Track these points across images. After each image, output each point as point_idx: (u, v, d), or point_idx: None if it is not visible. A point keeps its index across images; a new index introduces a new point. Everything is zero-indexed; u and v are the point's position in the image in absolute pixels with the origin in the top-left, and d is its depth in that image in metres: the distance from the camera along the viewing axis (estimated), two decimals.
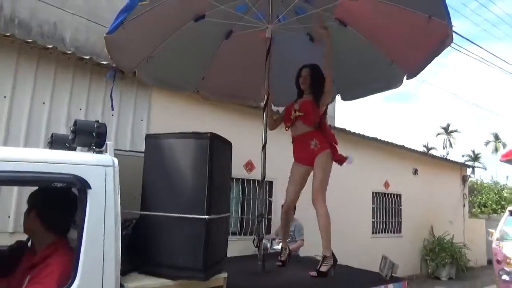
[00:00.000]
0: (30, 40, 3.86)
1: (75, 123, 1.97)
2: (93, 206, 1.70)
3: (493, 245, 6.28)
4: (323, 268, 3.00)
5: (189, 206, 1.85)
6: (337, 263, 3.11)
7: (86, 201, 1.69)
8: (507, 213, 6.65)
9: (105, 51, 3.10)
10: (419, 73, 3.60)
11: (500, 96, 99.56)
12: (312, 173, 3.29)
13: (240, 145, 3.22)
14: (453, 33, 2.98)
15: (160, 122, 4.78)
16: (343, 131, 6.96)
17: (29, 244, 2.04)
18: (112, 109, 3.46)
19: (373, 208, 8.25)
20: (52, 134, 2.52)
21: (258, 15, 3.51)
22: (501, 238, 6.22)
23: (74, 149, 2.34)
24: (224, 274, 2.00)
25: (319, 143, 3.21)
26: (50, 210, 1.74)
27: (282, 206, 3.66)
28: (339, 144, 3.41)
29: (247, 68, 4.23)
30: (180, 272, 1.81)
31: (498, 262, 6.00)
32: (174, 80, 4.19)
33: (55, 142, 2.40)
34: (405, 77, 3.72)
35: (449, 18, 2.84)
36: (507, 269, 5.85)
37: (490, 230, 6.79)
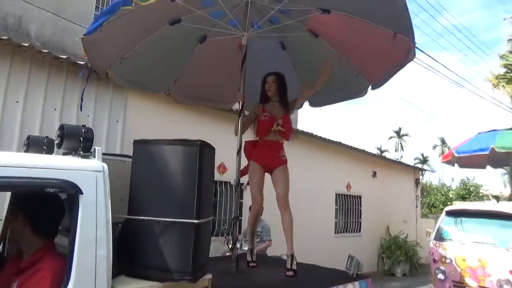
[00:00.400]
0: (5, 37, 3.71)
1: (62, 127, 1.98)
2: (85, 211, 1.73)
3: (430, 245, 6.31)
4: (295, 266, 3.19)
5: (179, 210, 1.92)
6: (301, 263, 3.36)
7: (78, 206, 1.72)
8: (443, 213, 6.72)
9: (82, 51, 3.08)
10: (383, 84, 3.88)
11: (446, 102, 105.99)
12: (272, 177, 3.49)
13: (223, 148, 3.33)
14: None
15: (135, 123, 4.74)
16: (309, 135, 7.21)
17: None
18: (81, 109, 3.45)
19: (336, 209, 8.62)
20: (29, 136, 2.48)
21: (234, 21, 3.62)
22: (438, 238, 6.27)
23: (52, 153, 2.34)
24: (209, 276, 2.09)
25: (285, 156, 3.53)
26: (39, 214, 1.75)
27: (250, 208, 3.80)
28: (306, 148, 3.65)
29: (219, 72, 4.32)
30: (169, 275, 1.88)
31: (435, 261, 6.04)
32: (146, 82, 4.19)
33: (32, 145, 2.38)
34: (370, 87, 3.99)
35: (413, 35, 3.09)
36: (442, 268, 5.88)
37: (428, 230, 6.87)
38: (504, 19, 16.36)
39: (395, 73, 3.66)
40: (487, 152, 7.17)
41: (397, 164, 11.96)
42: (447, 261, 5.86)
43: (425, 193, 21.17)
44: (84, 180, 1.77)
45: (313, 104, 4.53)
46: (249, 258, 3.47)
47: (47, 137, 2.49)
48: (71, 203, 1.73)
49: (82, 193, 1.74)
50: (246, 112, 3.92)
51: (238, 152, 3.40)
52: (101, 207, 1.79)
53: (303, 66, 4.27)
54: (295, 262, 3.24)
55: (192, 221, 1.89)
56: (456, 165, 8.63)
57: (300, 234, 3.54)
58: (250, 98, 3.91)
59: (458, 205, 7.54)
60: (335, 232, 8.58)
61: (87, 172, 1.80)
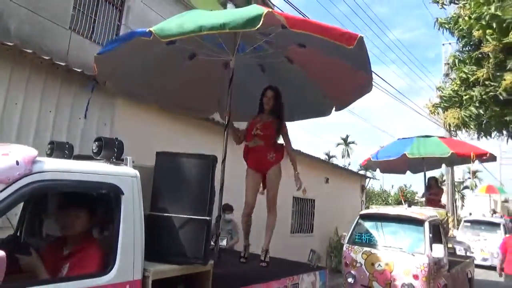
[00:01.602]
0: (11, 44, 3.94)
1: (100, 139, 2.43)
2: (125, 208, 2.21)
3: (344, 249, 6.24)
4: (267, 259, 3.83)
5: (194, 209, 2.45)
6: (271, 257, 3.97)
7: (121, 204, 2.20)
8: (358, 217, 6.64)
9: (93, 67, 3.48)
10: (345, 108, 4.64)
11: (387, 114, 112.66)
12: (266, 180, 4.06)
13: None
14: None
15: (122, 126, 5.07)
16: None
17: None
18: (85, 117, 3.81)
19: (292, 211, 9.40)
20: (53, 141, 2.87)
21: (222, 45, 4.15)
22: (351, 242, 6.21)
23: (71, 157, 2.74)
24: (212, 261, 2.63)
25: (275, 156, 4.05)
26: (94, 211, 2.20)
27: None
28: None
29: (201, 84, 4.83)
30: (186, 259, 2.40)
31: (346, 265, 5.99)
32: (138, 91, 4.59)
33: (57, 150, 2.77)
34: (333, 108, 4.72)
35: (371, 73, 3.85)
36: (353, 272, 5.83)
37: (343, 233, 6.79)
38: (443, 44, 18.19)
39: (356, 99, 4.44)
40: (398, 157, 7.39)
41: (347, 172, 13.07)
42: (357, 265, 5.86)
43: (368, 198, 22.82)
44: (124, 183, 2.24)
45: (286, 119, 5.17)
46: (242, 254, 3.95)
47: (67, 143, 2.90)
48: (116, 202, 2.19)
49: (124, 194, 2.22)
50: (238, 125, 4.49)
51: (223, 162, 3.93)
52: (136, 205, 2.28)
53: (279, 85, 4.88)
54: (268, 256, 3.88)
55: (205, 217, 2.43)
56: (378, 169, 9.01)
57: (262, 233, 4.17)
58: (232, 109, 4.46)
59: (371, 209, 7.50)
60: (291, 232, 9.36)
61: (126, 177, 2.28)
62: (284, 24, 2.82)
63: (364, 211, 6.96)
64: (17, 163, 1.84)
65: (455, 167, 20.93)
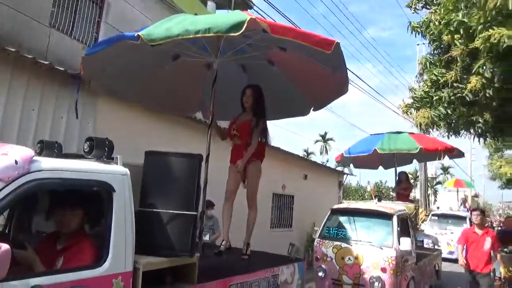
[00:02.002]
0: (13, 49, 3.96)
1: (91, 138, 2.55)
2: (117, 205, 2.35)
3: (315, 243, 6.26)
4: (249, 252, 4.02)
5: (181, 205, 2.60)
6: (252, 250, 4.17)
7: (113, 201, 2.33)
8: (329, 211, 6.64)
9: (79, 67, 3.56)
10: (323, 107, 4.87)
11: (366, 111, 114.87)
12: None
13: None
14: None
15: (105, 125, 5.14)
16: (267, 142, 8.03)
17: None
18: (77, 117, 3.88)
19: (272, 207, 9.64)
20: (42, 140, 2.95)
21: (205, 47, 4.28)
22: (322, 236, 6.24)
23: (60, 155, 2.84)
24: (198, 254, 2.79)
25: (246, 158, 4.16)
26: (91, 210, 2.33)
27: None
28: None
29: (186, 84, 4.96)
30: (174, 252, 2.56)
31: (317, 259, 6.02)
32: (120, 89, 4.67)
33: (47, 148, 2.87)
34: (312, 108, 4.94)
35: (347, 75, 4.08)
36: (323, 266, 5.84)
37: (315, 228, 6.82)
38: (418, 44, 18.80)
39: (333, 100, 4.67)
40: (369, 153, 7.52)
41: (325, 168, 13.42)
42: (328, 259, 5.91)
43: (345, 194, 23.42)
44: (115, 181, 2.38)
45: (267, 118, 5.38)
46: (221, 247, 4.07)
47: (56, 142, 2.99)
48: (108, 199, 2.33)
49: (115, 191, 2.36)
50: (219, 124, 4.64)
51: (206, 160, 4.07)
52: (127, 202, 2.42)
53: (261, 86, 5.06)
54: (249, 249, 4.07)
55: (193, 213, 2.59)
56: (351, 165, 9.56)
57: (242, 228, 4.36)
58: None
59: (342, 204, 7.51)
60: (271, 227, 9.60)
61: (117, 175, 2.41)
62: (267, 30, 3.00)
63: (335, 206, 6.95)
64: (16, 162, 1.95)
65: (428, 164, 21.80)
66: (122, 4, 8.56)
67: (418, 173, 22.12)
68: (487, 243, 5.83)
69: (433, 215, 14.00)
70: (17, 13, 6.41)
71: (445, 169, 47.19)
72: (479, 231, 6.01)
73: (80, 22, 7.90)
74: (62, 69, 4.56)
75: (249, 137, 4.22)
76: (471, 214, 6.02)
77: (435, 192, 42.25)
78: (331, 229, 6.31)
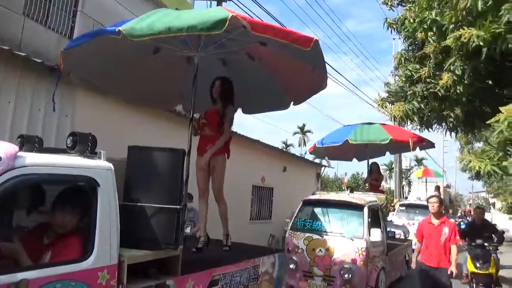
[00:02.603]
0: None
1: (74, 134, 2.56)
2: (101, 199, 2.38)
3: (286, 235, 6.17)
4: (229, 243, 4.11)
5: (165, 199, 2.66)
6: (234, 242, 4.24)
7: (97, 196, 2.37)
8: (301, 203, 6.56)
9: (59, 61, 3.52)
10: (302, 102, 4.98)
11: (343, 104, 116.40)
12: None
13: (163, 145, 3.99)
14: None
15: (84, 117, 5.08)
16: (233, 133, 8.10)
17: None
18: (54, 110, 3.84)
19: (252, 199, 9.77)
20: (23, 135, 2.93)
21: (186, 41, 4.30)
22: (293, 228, 6.17)
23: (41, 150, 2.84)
24: (181, 246, 2.86)
25: (213, 147, 4.15)
26: (76, 204, 2.35)
27: None
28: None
29: (164, 77, 4.96)
30: (158, 245, 2.62)
31: (289, 251, 5.90)
32: (100, 83, 4.63)
33: (27, 143, 2.85)
34: (292, 103, 5.04)
35: (326, 71, 4.19)
36: (294, 258, 5.75)
37: (286, 219, 7.06)
38: (394, 39, 19.19)
39: (312, 95, 4.79)
40: (341, 143, 7.45)
41: (303, 161, 13.65)
42: (299, 251, 5.83)
43: (323, 186, 23.84)
44: (100, 176, 2.41)
45: (245, 112, 5.44)
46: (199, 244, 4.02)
47: (37, 136, 2.98)
48: (92, 193, 2.36)
49: (100, 186, 2.39)
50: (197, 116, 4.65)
51: (188, 154, 4.10)
52: (112, 196, 2.45)
53: (239, 79, 5.12)
54: (230, 240, 4.16)
55: (176, 206, 2.65)
56: (326, 157, 9.45)
57: (219, 221, 4.42)
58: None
59: (314, 195, 7.27)
60: (250, 219, 9.74)
61: (101, 170, 2.45)
62: (247, 27, 3.06)
63: (307, 197, 6.83)
64: (0, 158, 1.96)
65: (403, 156, 22.44)
66: None
67: (393, 165, 22.77)
68: (444, 234, 4.92)
69: (400, 205, 13.43)
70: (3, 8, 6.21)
71: (419, 161, 48.63)
72: (436, 221, 5.04)
73: (55, 11, 7.71)
74: (40, 61, 4.48)
75: (217, 125, 4.21)
76: (427, 202, 5.42)
77: (409, 183, 43.55)
78: (303, 220, 6.26)
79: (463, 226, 9.29)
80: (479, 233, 7.07)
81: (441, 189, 37.53)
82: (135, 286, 2.50)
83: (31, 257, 2.16)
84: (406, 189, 40.85)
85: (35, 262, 2.17)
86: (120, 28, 2.94)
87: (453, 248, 4.88)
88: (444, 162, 38.92)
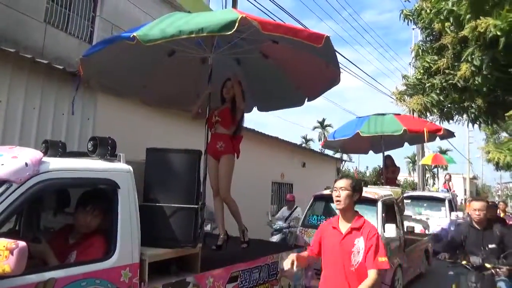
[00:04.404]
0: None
1: (95, 138, 2.67)
2: (122, 201, 2.48)
3: (297, 232, 5.95)
4: (247, 238, 4.16)
5: (183, 198, 2.75)
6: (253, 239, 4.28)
7: (118, 197, 2.47)
8: (312, 198, 6.33)
9: (79, 68, 3.67)
10: (316, 98, 4.99)
11: (363, 96, 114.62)
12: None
13: (181, 145, 4.08)
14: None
15: (105, 120, 5.25)
16: (251, 131, 8.20)
17: None
18: (73, 114, 3.99)
19: (271, 195, 9.84)
20: (47, 140, 3.07)
21: (200, 42, 4.38)
22: (305, 224, 5.97)
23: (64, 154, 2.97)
24: (200, 244, 2.95)
25: (224, 146, 4.16)
26: (99, 206, 2.47)
27: None
28: (246, 142, 4.45)
29: (181, 79, 5.06)
30: (177, 243, 2.71)
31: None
32: (119, 88, 4.78)
33: (51, 148, 2.99)
34: (306, 99, 5.06)
35: (339, 67, 4.19)
36: None
37: (298, 216, 6.54)
38: (413, 28, 18.77)
39: (326, 91, 4.81)
40: (352, 136, 7.17)
41: (322, 156, 13.59)
42: None
43: None
44: (120, 178, 2.51)
45: (260, 109, 5.49)
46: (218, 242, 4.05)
47: (60, 141, 3.12)
48: (113, 195, 2.46)
49: (120, 188, 2.49)
50: None
51: (205, 153, 4.19)
52: (131, 197, 2.55)
53: (254, 78, 5.17)
54: (247, 235, 4.20)
55: (193, 206, 2.74)
56: (339, 150, 8.97)
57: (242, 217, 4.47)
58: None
59: (326, 190, 6.88)
60: (271, 215, 9.79)
61: (121, 173, 2.55)
62: (258, 28, 3.10)
63: (318, 193, 6.55)
64: (26, 164, 2.08)
65: (426, 148, 21.96)
66: None
67: (416, 157, 22.35)
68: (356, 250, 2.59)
69: (405, 197, 9.90)
70: (11, 10, 6.47)
71: (443, 152, 47.48)
72: (344, 226, 2.73)
73: (75, 17, 7.95)
74: (61, 67, 4.65)
75: (231, 123, 4.19)
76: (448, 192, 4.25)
77: (434, 176, 42.59)
78: (314, 217, 6.04)
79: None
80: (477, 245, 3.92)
81: (467, 181, 36.44)
82: (157, 283, 2.60)
83: (57, 257, 2.29)
84: (430, 181, 40.01)
85: (62, 262, 2.29)
86: (135, 34, 3.04)
87: (371, 275, 2.47)
88: (470, 153, 37.78)
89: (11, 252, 1.72)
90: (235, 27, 2.95)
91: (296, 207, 7.90)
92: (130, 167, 2.60)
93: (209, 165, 4.22)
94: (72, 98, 3.91)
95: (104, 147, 2.64)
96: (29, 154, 2.16)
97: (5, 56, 4.37)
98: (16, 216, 2.89)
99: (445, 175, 12.18)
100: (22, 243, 1.78)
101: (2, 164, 2.03)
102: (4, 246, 1.73)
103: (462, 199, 24.21)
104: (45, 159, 2.24)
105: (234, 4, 9.72)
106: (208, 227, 5.21)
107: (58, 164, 2.25)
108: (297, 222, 6.83)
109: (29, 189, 2.06)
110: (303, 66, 4.55)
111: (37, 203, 2.66)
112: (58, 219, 2.69)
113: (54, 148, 2.96)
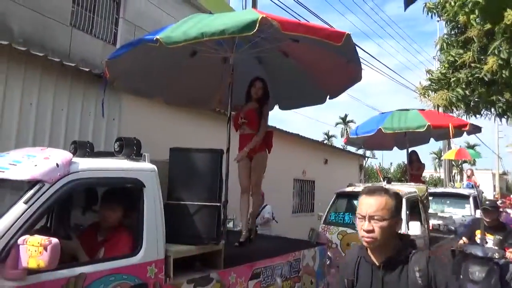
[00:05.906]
0: (23, 49, 4.23)
1: (121, 139, 2.77)
2: (147, 199, 2.57)
3: (319, 229, 5.83)
4: (243, 240, 4.10)
5: (206, 197, 2.81)
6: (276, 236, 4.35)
7: (143, 196, 2.55)
8: (334, 196, 6.26)
9: (104, 70, 3.79)
10: (337, 96, 4.96)
11: (386, 91, 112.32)
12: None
13: (204, 144, 4.15)
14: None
15: (130, 120, 5.40)
16: (272, 128, 8.20)
17: None
18: (103, 116, 4.13)
19: (293, 192, 9.86)
20: (76, 141, 3.20)
21: (221, 42, 4.43)
22: (326, 222, 5.91)
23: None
24: (223, 241, 3.01)
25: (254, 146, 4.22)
26: (125, 204, 2.57)
27: None
28: None
29: (204, 78, 5.13)
30: (201, 240, 2.78)
31: None
32: (142, 88, 4.90)
33: (80, 148, 3.11)
34: (327, 97, 5.04)
35: (360, 64, 4.16)
36: (328, 253, 5.20)
37: (319, 213, 6.38)
38: (438, 21, 18.26)
39: (347, 88, 4.77)
40: (373, 133, 7.05)
41: (345, 152, 13.46)
42: (333, 246, 5.52)
43: (367, 177, 23.35)
44: (145, 177, 2.60)
45: (282, 107, 5.51)
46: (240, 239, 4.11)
47: (88, 142, 3.24)
48: (139, 194, 2.55)
49: (145, 187, 2.58)
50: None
51: (227, 151, 4.23)
52: (156, 196, 2.63)
53: (275, 76, 5.19)
54: (248, 234, 4.19)
55: (216, 204, 2.80)
56: (362, 146, 8.54)
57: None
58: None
59: (348, 187, 6.68)
60: (292, 212, 9.83)
61: (146, 172, 2.63)
62: (278, 28, 3.12)
63: (340, 190, 6.46)
64: (57, 165, 2.18)
65: (452, 143, 21.37)
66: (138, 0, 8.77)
67: (442, 153, 21.81)
68: None
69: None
70: (38, 15, 6.70)
71: (470, 147, 46.05)
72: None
73: (99, 20, 8.17)
74: (87, 69, 4.81)
75: (257, 124, 4.27)
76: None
77: (461, 171, 41.39)
78: (336, 214, 5.99)
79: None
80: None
81: (496, 177, 35.17)
82: (181, 278, 2.67)
83: (87, 253, 2.40)
84: (457, 177, 38.93)
85: (91, 258, 2.39)
86: (158, 37, 3.12)
87: None
88: (499, 148, 36.46)
89: (45, 248, 1.82)
90: (256, 27, 2.99)
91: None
92: (154, 167, 2.68)
93: (241, 164, 4.29)
94: (101, 100, 4.05)
95: (130, 147, 2.73)
96: (60, 155, 2.26)
97: (35, 60, 4.56)
98: (47, 214, 3.04)
99: (467, 170, 11.61)
100: (55, 240, 1.88)
101: (36, 165, 2.14)
102: (38, 243, 1.83)
103: (493, 195, 23.39)
104: (75, 159, 2.34)
105: (254, 2, 9.74)
106: (230, 224, 5.27)
107: (86, 165, 2.35)
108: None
109: (60, 188, 2.16)
110: (323, 64, 4.54)
111: (67, 201, 2.78)
112: (87, 216, 2.80)
113: (82, 148, 3.08)
